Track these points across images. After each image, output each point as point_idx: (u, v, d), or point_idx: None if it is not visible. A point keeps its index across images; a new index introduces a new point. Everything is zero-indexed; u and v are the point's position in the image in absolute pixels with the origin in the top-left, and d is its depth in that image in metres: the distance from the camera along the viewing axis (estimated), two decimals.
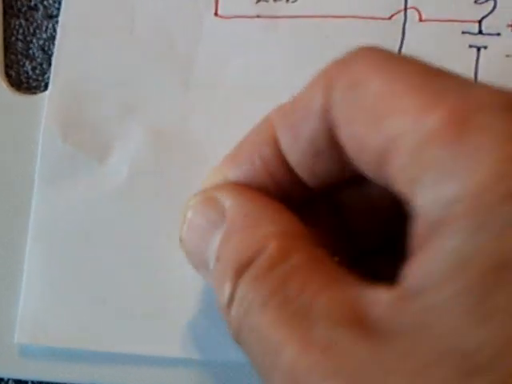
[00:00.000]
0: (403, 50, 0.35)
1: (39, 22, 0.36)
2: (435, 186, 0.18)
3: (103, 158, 0.34)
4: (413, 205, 0.19)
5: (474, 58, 0.35)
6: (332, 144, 0.22)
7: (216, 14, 0.35)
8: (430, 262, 0.18)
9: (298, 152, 0.23)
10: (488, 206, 0.17)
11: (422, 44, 0.35)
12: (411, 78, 0.21)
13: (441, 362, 0.16)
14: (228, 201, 0.23)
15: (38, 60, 0.35)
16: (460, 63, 0.34)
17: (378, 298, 0.19)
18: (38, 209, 0.33)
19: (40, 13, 0.36)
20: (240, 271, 0.21)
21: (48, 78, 0.35)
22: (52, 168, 0.34)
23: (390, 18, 0.35)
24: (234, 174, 0.25)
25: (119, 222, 0.33)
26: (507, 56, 0.34)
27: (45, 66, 0.35)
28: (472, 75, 0.34)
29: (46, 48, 0.35)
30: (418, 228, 0.19)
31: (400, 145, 0.19)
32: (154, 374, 0.32)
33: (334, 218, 0.26)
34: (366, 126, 0.21)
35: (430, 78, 0.21)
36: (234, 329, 0.21)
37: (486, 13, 0.35)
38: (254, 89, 0.34)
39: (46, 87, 0.35)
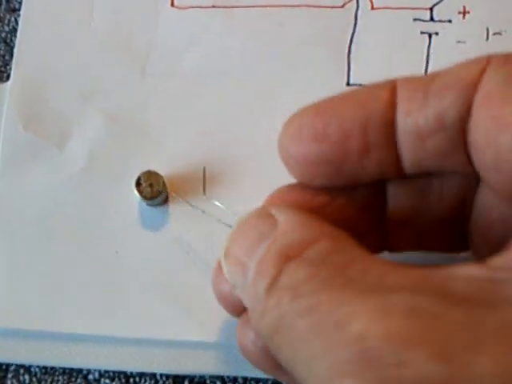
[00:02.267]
0: (355, 38, 0.35)
1: (2, 15, 0.37)
2: None
3: (63, 144, 0.35)
4: None
5: (426, 45, 0.35)
6: (462, 124, 0.20)
7: (172, 4, 0.36)
8: None
9: (417, 122, 0.20)
10: None
11: (375, 31, 0.35)
12: None
13: None
14: (282, 215, 0.22)
15: (1, 52, 0.37)
16: (412, 50, 0.35)
17: (465, 272, 0.18)
18: (0, 193, 0.34)
19: (3, 7, 0.37)
20: (287, 258, 0.20)
21: (10, 68, 0.36)
22: (13, 155, 0.35)
23: (342, 6, 0.36)
24: (315, 128, 0.22)
25: (78, 206, 0.34)
26: (458, 42, 0.35)
27: (7, 57, 0.36)
28: (424, 61, 0.35)
29: (8, 40, 0.37)
30: None
31: None
32: (108, 353, 0.32)
33: (372, 209, 0.24)
34: None
35: None
36: (273, 316, 0.20)
37: (437, 0, 0.36)
38: (209, 77, 0.35)
39: (8, 78, 0.36)
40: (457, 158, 0.21)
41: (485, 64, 0.20)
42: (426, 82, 0.21)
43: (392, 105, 0.21)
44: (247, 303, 0.22)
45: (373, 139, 0.21)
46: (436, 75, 0.21)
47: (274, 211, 0.22)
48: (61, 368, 0.33)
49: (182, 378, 0.32)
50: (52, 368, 0.33)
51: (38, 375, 0.33)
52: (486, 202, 0.22)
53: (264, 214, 0.22)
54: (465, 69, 0.21)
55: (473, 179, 0.22)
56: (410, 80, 0.21)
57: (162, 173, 0.33)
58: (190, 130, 0.35)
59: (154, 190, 0.33)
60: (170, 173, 0.34)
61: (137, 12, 0.36)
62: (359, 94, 0.22)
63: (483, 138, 0.20)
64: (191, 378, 0.32)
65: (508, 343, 0.16)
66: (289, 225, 0.21)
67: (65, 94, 0.35)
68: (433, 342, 0.16)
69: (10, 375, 0.33)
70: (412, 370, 0.16)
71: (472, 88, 0.20)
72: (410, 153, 0.21)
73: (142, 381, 0.32)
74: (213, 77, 0.35)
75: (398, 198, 0.24)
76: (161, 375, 0.32)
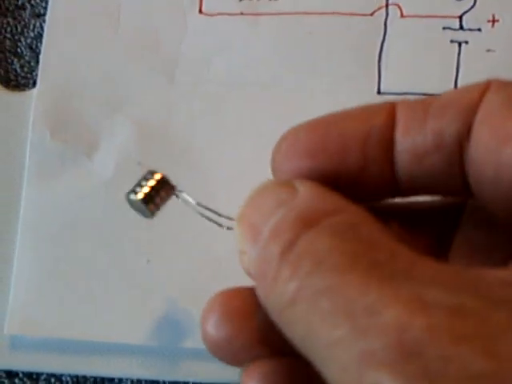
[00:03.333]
0: (385, 46, 0.35)
1: (27, 20, 0.36)
2: None
3: (91, 152, 0.34)
4: None
5: (456, 53, 0.35)
6: (459, 143, 0.20)
7: (200, 11, 0.36)
8: None
9: (415, 140, 0.21)
10: None
11: (404, 40, 0.35)
12: None
13: None
14: (303, 186, 0.21)
15: (26, 58, 0.36)
16: (441, 58, 0.35)
17: (497, 276, 0.18)
18: (28, 202, 0.34)
19: (28, 12, 0.37)
20: (306, 223, 0.19)
21: (36, 75, 0.35)
22: (41, 163, 0.34)
23: (371, 14, 0.36)
24: (316, 137, 0.21)
25: (106, 214, 0.34)
26: (488, 51, 0.35)
27: (33, 63, 0.36)
28: (454, 70, 0.35)
29: (33, 46, 0.36)
30: None
31: None
32: (140, 362, 0.32)
33: None
34: None
35: None
36: (288, 287, 0.18)
37: (466, 9, 0.36)
38: (236, 84, 0.35)
39: (34, 84, 0.36)
40: (451, 178, 0.21)
41: (485, 87, 0.20)
42: (425, 103, 0.21)
43: (391, 123, 0.21)
44: (255, 272, 0.20)
45: (371, 155, 0.21)
46: (436, 97, 0.21)
47: (295, 181, 0.21)
48: (92, 377, 0.33)
49: None
50: (83, 377, 0.33)
51: None
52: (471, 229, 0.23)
53: (284, 183, 0.21)
54: (465, 91, 0.21)
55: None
56: (409, 101, 0.22)
57: (188, 179, 0.33)
58: (218, 136, 0.35)
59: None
60: (196, 179, 0.34)
61: (164, 19, 0.36)
62: (358, 111, 0.22)
63: (484, 152, 0.20)
64: None
65: None
66: (309, 194, 0.20)
67: (92, 101, 0.35)
68: (479, 340, 0.16)
69: None
70: (458, 366, 0.16)
71: (472, 108, 0.20)
72: (406, 171, 0.21)
73: None
74: (241, 84, 0.35)
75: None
76: None
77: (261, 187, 0.21)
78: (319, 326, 0.17)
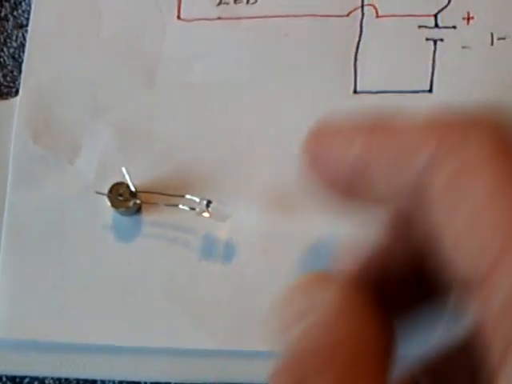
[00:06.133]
0: (361, 46, 0.36)
1: (9, 31, 0.37)
2: None
3: (72, 157, 0.35)
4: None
5: (431, 51, 0.35)
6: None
7: (179, 17, 0.37)
8: None
9: None
10: None
11: (380, 39, 0.36)
12: None
13: None
14: (325, 296, 0.19)
15: (9, 67, 0.37)
16: (417, 56, 0.35)
17: None
18: (12, 207, 0.34)
19: (10, 23, 0.37)
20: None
21: (18, 84, 0.36)
22: (24, 168, 0.35)
23: (347, 15, 0.36)
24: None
25: (88, 218, 0.34)
26: (463, 47, 0.35)
27: (15, 72, 0.37)
28: (429, 67, 0.35)
29: (16, 56, 0.37)
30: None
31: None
32: (122, 363, 0.32)
33: None
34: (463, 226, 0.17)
35: None
36: None
37: (441, 7, 0.36)
38: (216, 87, 0.35)
39: (16, 93, 0.36)
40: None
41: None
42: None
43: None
44: None
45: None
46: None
47: (317, 287, 0.20)
48: (75, 379, 0.33)
49: None
50: (66, 379, 0.33)
51: None
52: None
53: (308, 288, 0.20)
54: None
55: None
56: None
57: (169, 182, 0.34)
58: (198, 140, 0.35)
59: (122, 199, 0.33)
60: (176, 181, 0.34)
61: (143, 25, 0.36)
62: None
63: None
64: None
65: None
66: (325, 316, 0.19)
67: (73, 107, 0.35)
68: None
69: None
70: None
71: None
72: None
73: None
74: (220, 87, 0.35)
75: None
76: None
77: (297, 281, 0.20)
78: None
